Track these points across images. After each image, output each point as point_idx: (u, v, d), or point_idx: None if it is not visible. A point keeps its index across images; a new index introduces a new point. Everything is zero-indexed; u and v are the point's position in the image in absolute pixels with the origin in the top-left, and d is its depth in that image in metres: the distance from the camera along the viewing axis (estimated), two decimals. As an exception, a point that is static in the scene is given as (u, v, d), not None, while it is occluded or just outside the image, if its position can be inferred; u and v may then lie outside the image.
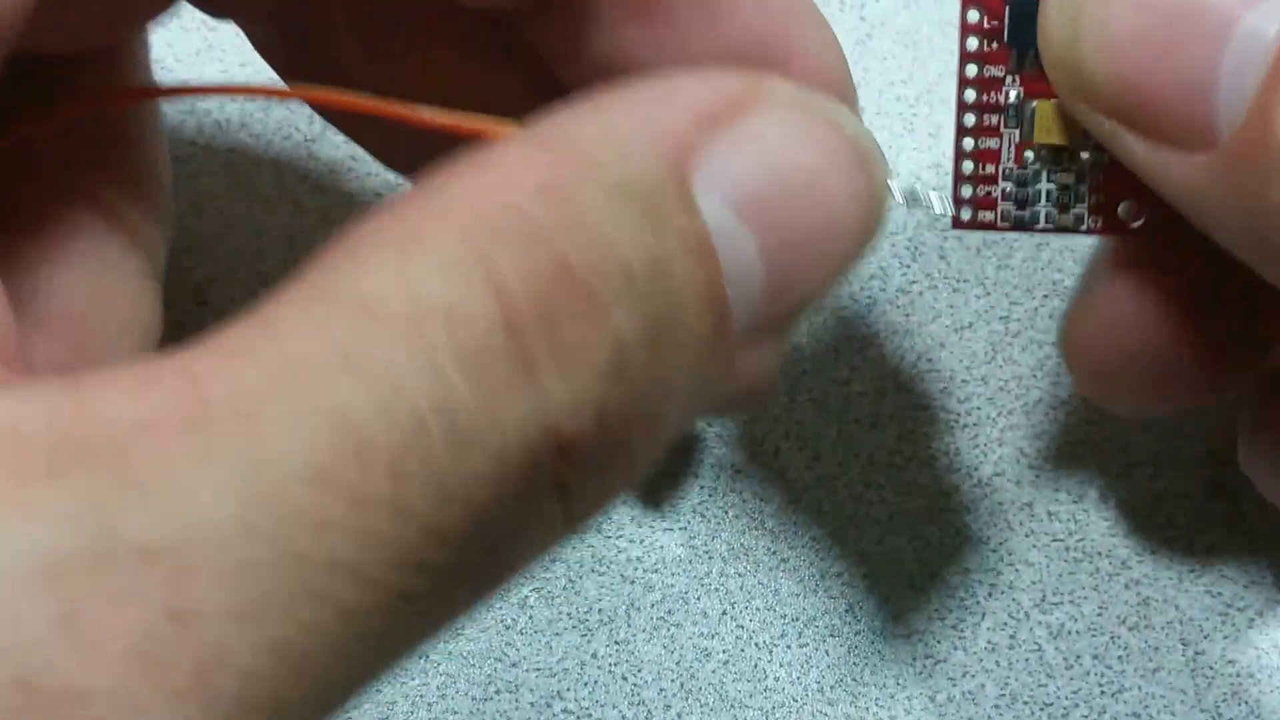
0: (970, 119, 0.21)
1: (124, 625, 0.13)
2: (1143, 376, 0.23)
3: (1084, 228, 0.21)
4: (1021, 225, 0.21)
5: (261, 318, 0.14)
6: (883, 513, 0.26)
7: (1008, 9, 0.20)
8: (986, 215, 0.21)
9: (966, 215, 0.21)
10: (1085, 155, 0.21)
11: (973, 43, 0.20)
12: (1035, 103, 0.21)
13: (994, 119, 0.21)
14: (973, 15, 0.20)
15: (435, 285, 0.14)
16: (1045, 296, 0.27)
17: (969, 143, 0.21)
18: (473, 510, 0.14)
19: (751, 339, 0.17)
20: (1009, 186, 0.21)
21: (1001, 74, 0.21)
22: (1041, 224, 0.21)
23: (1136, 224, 0.21)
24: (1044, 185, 0.21)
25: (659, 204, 0.16)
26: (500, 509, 0.15)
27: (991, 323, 0.27)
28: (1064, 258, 0.27)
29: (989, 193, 0.21)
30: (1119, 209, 0.21)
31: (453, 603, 0.15)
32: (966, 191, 0.21)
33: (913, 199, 0.20)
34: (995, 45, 0.21)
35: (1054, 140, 0.21)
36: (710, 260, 0.16)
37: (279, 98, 0.18)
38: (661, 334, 0.16)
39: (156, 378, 0.14)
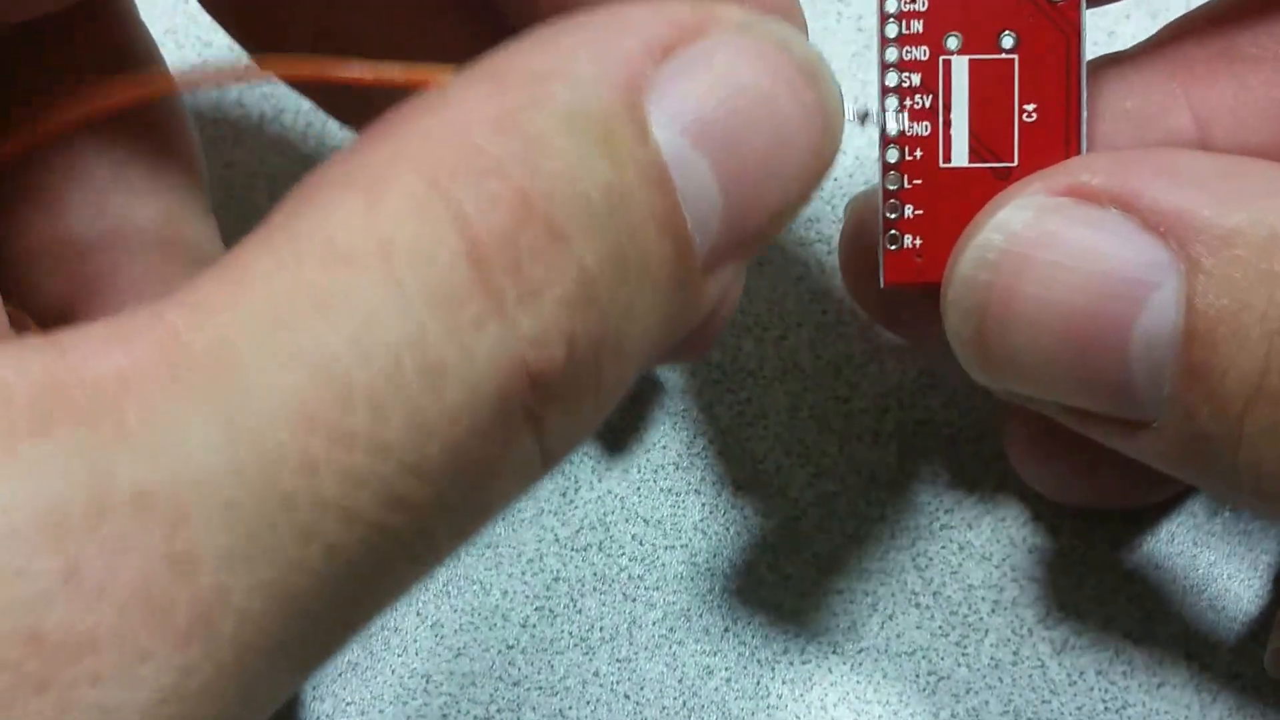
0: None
1: (125, 573, 0.13)
2: (1067, 483, 0.25)
3: None
4: None
5: (233, 266, 0.15)
6: (884, 529, 0.26)
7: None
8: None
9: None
10: None
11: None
12: None
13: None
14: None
15: (400, 224, 0.15)
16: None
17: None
18: (450, 445, 0.14)
19: (714, 263, 0.17)
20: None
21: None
22: None
23: None
24: None
25: (614, 133, 0.16)
26: (477, 443, 0.15)
27: (993, 337, 0.27)
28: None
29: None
30: None
31: (435, 541, 0.15)
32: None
33: (865, 117, 0.20)
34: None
35: None
36: (667, 187, 0.16)
37: (232, 82, 0.18)
38: (625, 261, 0.16)
39: (136, 331, 0.14)
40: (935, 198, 0.20)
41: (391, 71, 0.17)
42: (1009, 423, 0.24)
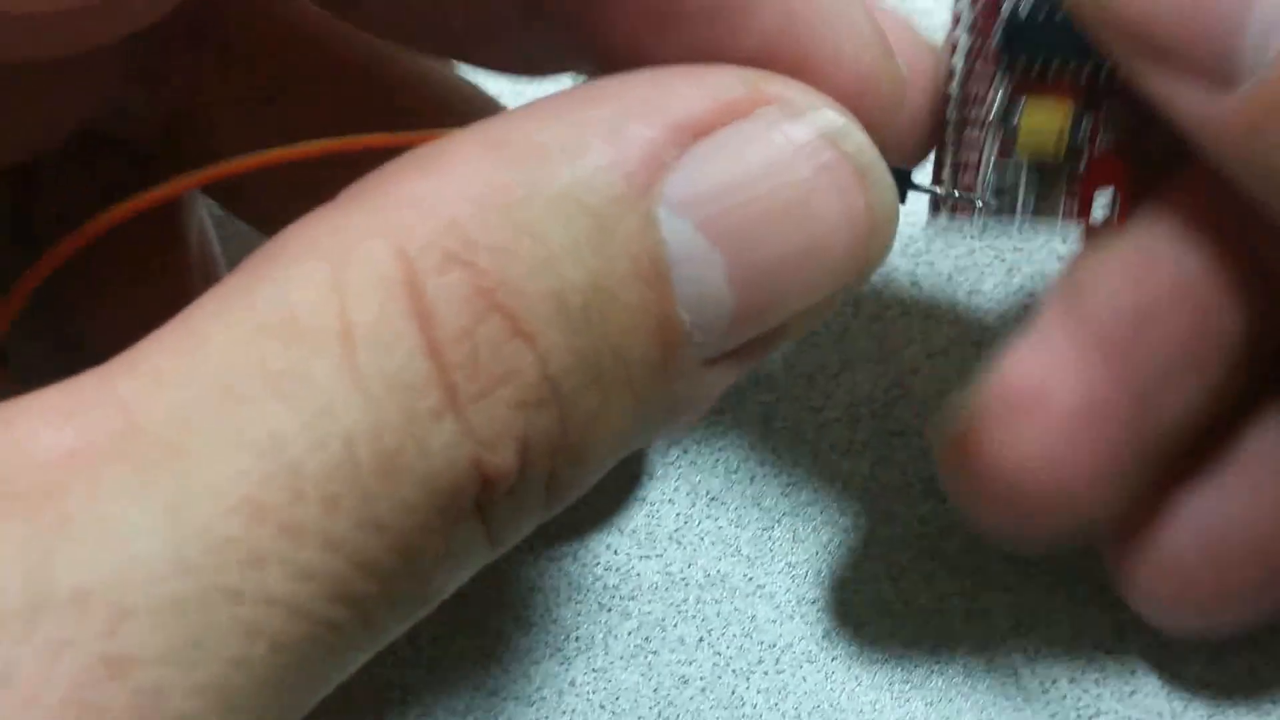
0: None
1: (59, 675, 0.12)
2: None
3: (1062, 213, 0.22)
4: (1001, 211, 0.22)
5: (189, 331, 0.14)
6: (858, 539, 0.26)
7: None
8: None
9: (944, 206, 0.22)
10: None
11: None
12: (1021, 114, 0.21)
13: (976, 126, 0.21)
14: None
15: (362, 305, 0.14)
16: (1018, 321, 0.27)
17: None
18: (401, 539, 0.14)
19: (721, 360, 0.16)
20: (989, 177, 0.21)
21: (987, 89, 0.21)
22: (1020, 211, 0.22)
23: (1105, 216, 0.21)
24: (1024, 177, 0.21)
25: (609, 220, 0.15)
26: (426, 537, 0.14)
27: (964, 348, 0.27)
28: (1036, 283, 0.27)
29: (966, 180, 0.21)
30: (1095, 202, 0.21)
31: (379, 630, 0.15)
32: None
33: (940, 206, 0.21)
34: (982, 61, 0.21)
35: (1041, 152, 0.21)
36: (662, 284, 0.15)
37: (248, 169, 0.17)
38: (598, 363, 0.15)
39: (85, 405, 0.13)
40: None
41: (408, 137, 0.16)
42: (1122, 561, 0.24)
